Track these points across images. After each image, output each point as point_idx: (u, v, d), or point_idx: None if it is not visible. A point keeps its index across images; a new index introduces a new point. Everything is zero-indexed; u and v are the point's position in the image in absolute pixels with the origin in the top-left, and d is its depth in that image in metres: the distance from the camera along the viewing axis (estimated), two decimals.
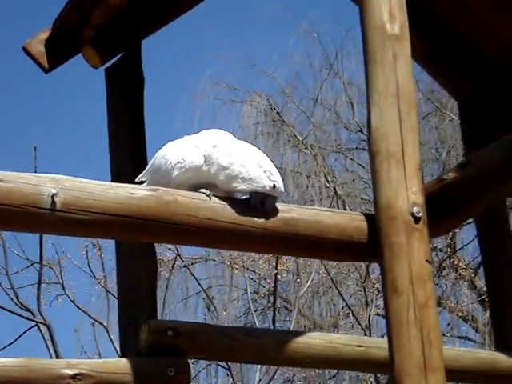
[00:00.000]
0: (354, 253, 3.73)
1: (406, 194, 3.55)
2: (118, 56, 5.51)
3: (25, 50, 5.42)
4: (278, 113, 17.29)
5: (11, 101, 19.53)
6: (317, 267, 13.83)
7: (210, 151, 3.64)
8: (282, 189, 3.60)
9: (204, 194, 3.56)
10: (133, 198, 3.41)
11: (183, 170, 3.62)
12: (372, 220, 3.68)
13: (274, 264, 12.88)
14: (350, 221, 3.71)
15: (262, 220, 3.57)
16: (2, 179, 3.23)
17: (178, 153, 3.67)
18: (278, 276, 13.04)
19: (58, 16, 5.39)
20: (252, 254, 14.20)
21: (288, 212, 3.64)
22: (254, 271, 15.15)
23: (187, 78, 21.47)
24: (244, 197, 3.64)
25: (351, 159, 17.41)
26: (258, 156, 3.61)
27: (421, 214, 3.53)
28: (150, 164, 3.81)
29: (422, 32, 5.38)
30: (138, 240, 3.48)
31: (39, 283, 12.93)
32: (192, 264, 15.29)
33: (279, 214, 3.61)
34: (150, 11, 5.60)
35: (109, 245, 13.34)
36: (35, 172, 3.36)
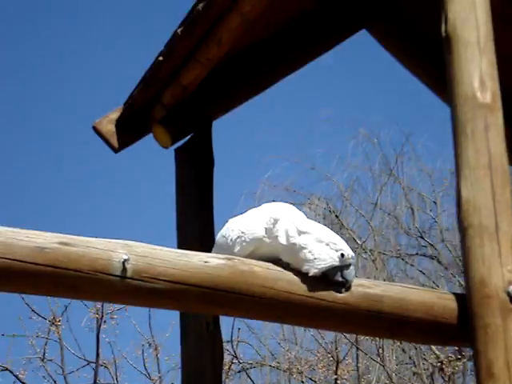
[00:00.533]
0: (442, 335, 3.44)
1: (500, 271, 3.28)
2: (188, 136, 5.40)
3: (95, 129, 5.33)
4: (336, 216, 17.11)
5: (82, 181, 19.68)
6: (378, 373, 13.38)
7: (270, 224, 3.45)
8: (352, 254, 3.37)
9: (281, 265, 3.35)
10: (206, 267, 3.20)
11: (244, 243, 3.43)
12: (462, 300, 3.41)
13: (334, 369, 12.47)
14: (438, 299, 3.44)
15: (343, 295, 3.32)
16: (69, 243, 3.05)
17: (237, 227, 3.50)
18: (338, 382, 12.61)
19: (129, 96, 5.32)
20: (309, 358, 13.79)
21: (371, 288, 3.39)
22: (311, 379, 14.72)
23: (246, 179, 21.48)
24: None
25: (411, 265, 17.09)
26: (316, 230, 3.41)
27: None
28: (214, 245, 3.65)
29: None
30: (210, 312, 3.26)
31: (95, 383, 12.65)
32: (248, 369, 14.89)
33: (361, 289, 3.36)
34: (220, 92, 5.51)
35: (163, 346, 13.04)
36: None
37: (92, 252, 3.08)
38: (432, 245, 16.61)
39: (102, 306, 13.50)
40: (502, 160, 3.44)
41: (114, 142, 5.33)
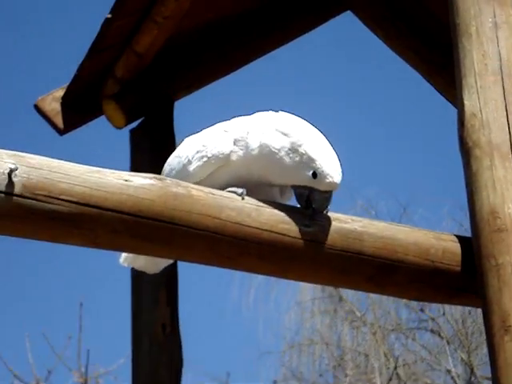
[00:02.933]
0: (442, 285, 2.60)
1: None
2: (145, 117, 4.66)
3: (37, 107, 4.59)
4: (334, 288, 16.49)
5: None
6: None
7: (241, 135, 2.61)
8: (335, 179, 2.53)
9: (234, 192, 2.52)
10: (127, 186, 2.38)
11: (204, 160, 2.58)
12: (465, 242, 2.60)
13: None
14: (435, 240, 2.61)
15: (311, 229, 2.49)
16: None
17: (198, 141, 2.66)
18: None
19: (76, 70, 4.58)
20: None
21: (348, 222, 2.56)
22: None
23: None
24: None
25: (412, 339, 16.42)
26: (297, 133, 2.56)
27: None
28: (163, 169, 2.78)
29: None
30: (130, 249, 2.42)
31: None
32: None
33: (336, 224, 2.54)
34: (184, 68, 4.77)
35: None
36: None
37: None
38: (433, 318, 16.07)
39: (86, 368, 12.70)
40: None
41: (59, 122, 4.57)
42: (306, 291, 16.59)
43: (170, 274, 4.28)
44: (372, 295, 16.34)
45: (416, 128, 17.76)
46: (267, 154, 2.54)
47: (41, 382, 12.80)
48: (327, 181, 2.51)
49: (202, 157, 2.58)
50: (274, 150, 2.53)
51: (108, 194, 2.36)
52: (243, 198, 2.50)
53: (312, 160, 2.50)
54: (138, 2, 4.22)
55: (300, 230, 2.49)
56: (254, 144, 2.57)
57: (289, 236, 2.47)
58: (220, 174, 2.59)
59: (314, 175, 2.50)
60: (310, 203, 2.53)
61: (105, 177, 2.38)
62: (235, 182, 2.57)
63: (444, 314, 15.77)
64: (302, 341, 15.69)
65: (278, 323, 15.64)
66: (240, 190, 2.51)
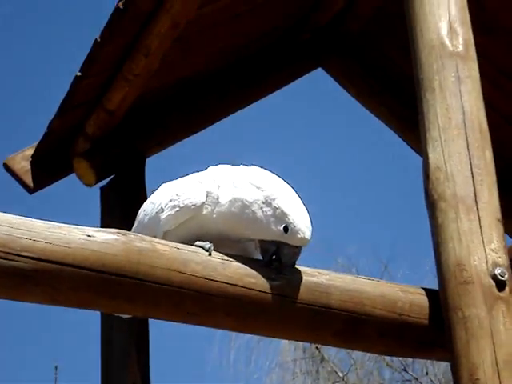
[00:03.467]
0: (409, 340, 2.57)
1: (483, 250, 2.47)
2: (115, 174, 4.64)
3: (6, 166, 4.56)
4: (317, 348, 16.38)
5: None
6: None
7: (212, 189, 2.60)
8: (306, 235, 2.50)
9: (201, 247, 2.50)
10: (90, 242, 2.36)
11: (176, 209, 2.56)
12: (433, 294, 2.58)
13: None
14: (402, 293, 2.59)
15: (278, 283, 2.47)
16: None
17: (171, 190, 2.64)
18: None
19: (46, 128, 4.57)
20: None
21: (315, 276, 2.53)
22: None
23: None
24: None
25: None
26: (270, 187, 2.55)
27: (506, 276, 2.43)
28: (136, 218, 2.76)
29: None
30: (91, 306, 2.38)
31: None
32: None
33: (302, 277, 2.51)
34: (155, 125, 4.77)
35: None
36: None
37: None
38: (416, 378, 16.00)
39: None
40: (479, 117, 2.69)
41: (29, 180, 4.54)
42: (288, 352, 16.47)
43: (141, 332, 4.22)
44: (354, 355, 16.23)
45: (396, 184, 17.85)
46: (238, 208, 2.53)
47: None
48: (299, 236, 2.50)
49: (174, 206, 2.56)
50: (246, 203, 2.52)
51: (70, 250, 2.33)
52: (210, 254, 2.48)
53: (285, 214, 2.50)
54: (108, 60, 4.23)
55: (267, 283, 2.47)
56: (225, 198, 2.56)
57: (255, 290, 2.45)
58: (191, 225, 2.57)
59: (286, 230, 2.49)
60: (276, 258, 2.51)
61: (67, 232, 2.36)
62: (204, 234, 2.55)
63: (427, 373, 15.69)
64: None
65: None
66: (207, 245, 2.50)
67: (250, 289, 2.45)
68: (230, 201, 2.54)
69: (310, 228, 2.54)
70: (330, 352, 16.39)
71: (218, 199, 2.56)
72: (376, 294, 2.56)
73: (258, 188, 2.53)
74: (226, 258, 2.49)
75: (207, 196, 2.57)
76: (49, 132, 4.54)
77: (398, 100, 5.11)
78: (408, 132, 5.04)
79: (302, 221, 2.50)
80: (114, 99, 4.42)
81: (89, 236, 2.37)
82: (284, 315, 2.47)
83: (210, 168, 2.68)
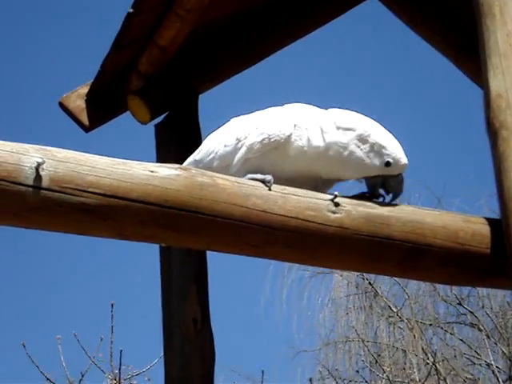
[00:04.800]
0: (471, 269, 2.57)
1: None
2: (169, 111, 4.65)
3: (62, 105, 4.59)
4: (370, 283, 16.34)
5: None
6: None
7: (299, 122, 2.60)
8: (406, 161, 2.59)
9: (262, 181, 2.51)
10: (153, 177, 2.38)
11: (264, 136, 2.56)
12: (496, 224, 2.57)
13: None
14: (464, 223, 2.59)
15: (338, 215, 2.47)
16: None
17: (254, 121, 2.64)
18: None
19: (100, 65, 4.58)
20: None
21: (374, 208, 2.54)
22: None
23: None
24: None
25: (451, 334, 16.23)
26: (362, 126, 2.58)
27: None
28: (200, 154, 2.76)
29: None
30: (158, 239, 2.42)
31: None
32: None
33: (362, 209, 2.52)
34: (208, 60, 4.75)
35: None
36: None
37: None
38: (472, 312, 15.88)
39: (120, 370, 12.75)
40: None
41: (84, 119, 4.57)
42: (341, 288, 16.47)
43: (200, 269, 4.27)
44: (408, 290, 16.18)
45: (450, 116, 17.60)
46: (336, 151, 2.56)
47: None
48: (401, 164, 2.58)
49: (262, 133, 2.57)
50: (341, 145, 2.55)
51: (134, 186, 2.36)
52: (270, 188, 2.50)
53: (383, 147, 2.57)
54: None
55: (326, 216, 2.48)
56: (318, 142, 2.57)
57: (315, 223, 2.47)
58: (270, 158, 2.58)
59: (388, 163, 2.53)
60: (386, 190, 2.53)
61: (131, 168, 2.39)
62: (278, 171, 2.56)
63: (483, 306, 15.59)
64: (337, 338, 15.55)
65: (312, 321, 15.53)
66: (268, 177, 2.51)
67: (310, 221, 2.47)
68: (325, 147, 2.56)
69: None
70: (384, 287, 16.35)
71: (309, 140, 2.57)
72: (437, 224, 2.56)
73: (349, 129, 2.55)
74: (286, 191, 2.51)
75: (295, 129, 2.57)
76: (102, 70, 4.55)
77: (453, 28, 5.02)
78: (463, 60, 4.95)
79: (399, 149, 2.59)
80: (166, 35, 4.40)
81: (151, 171, 2.40)
82: (344, 247, 2.48)
83: (287, 105, 2.68)
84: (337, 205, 2.50)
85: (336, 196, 2.52)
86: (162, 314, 4.20)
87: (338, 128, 2.58)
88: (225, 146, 2.63)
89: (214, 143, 2.71)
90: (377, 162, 2.58)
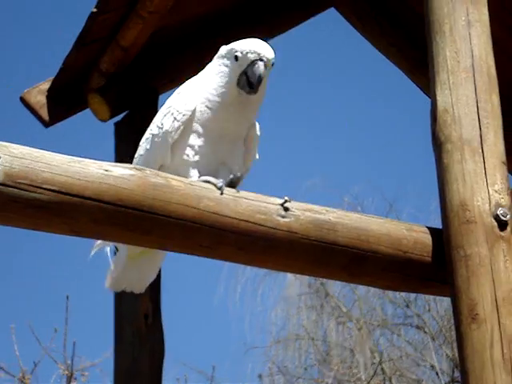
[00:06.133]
0: (413, 275, 2.66)
1: (486, 191, 2.55)
2: (129, 110, 4.70)
3: (23, 100, 4.62)
4: (321, 284, 16.50)
5: None
6: None
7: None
8: (251, 47, 2.84)
9: (214, 185, 2.59)
10: (107, 176, 2.45)
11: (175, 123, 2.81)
12: (437, 233, 2.67)
13: None
14: (407, 232, 2.68)
15: (286, 220, 2.56)
16: None
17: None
18: None
19: (62, 63, 4.62)
20: None
21: (322, 213, 2.62)
22: None
23: None
24: None
25: (398, 335, 16.44)
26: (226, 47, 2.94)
27: (508, 217, 2.52)
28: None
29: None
30: (108, 238, 2.49)
31: None
32: None
33: (310, 215, 2.60)
34: (168, 60, 4.82)
35: None
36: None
37: None
38: (418, 315, 16.09)
39: (72, 361, 12.74)
40: (487, 61, 2.74)
41: (45, 114, 4.61)
42: (293, 287, 16.60)
43: None
44: (358, 291, 16.35)
45: (402, 124, 17.82)
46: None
47: (26, 374, 12.79)
48: (247, 51, 2.81)
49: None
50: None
51: (89, 184, 2.42)
52: (222, 193, 2.57)
53: (232, 49, 2.87)
54: None
55: (276, 220, 2.56)
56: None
57: (265, 226, 2.55)
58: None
59: (236, 58, 2.80)
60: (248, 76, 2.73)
61: (86, 167, 2.45)
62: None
63: (429, 310, 15.80)
64: (288, 336, 15.68)
65: (264, 318, 15.64)
66: (220, 183, 2.59)
67: (260, 225, 2.54)
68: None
69: (264, 45, 2.85)
70: (335, 288, 16.50)
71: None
72: (382, 231, 2.65)
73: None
74: (237, 194, 2.58)
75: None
76: (64, 67, 4.60)
77: (409, 41, 5.14)
78: (418, 74, 5.08)
79: (247, 42, 2.85)
80: (128, 36, 4.46)
81: (106, 170, 2.46)
82: (293, 251, 2.56)
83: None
84: (286, 209, 2.58)
85: (286, 201, 2.59)
86: (114, 309, 4.26)
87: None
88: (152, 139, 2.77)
89: (143, 140, 2.85)
90: (233, 63, 2.82)
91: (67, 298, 10.88)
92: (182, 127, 2.72)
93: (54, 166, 2.41)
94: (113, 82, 4.63)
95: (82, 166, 2.44)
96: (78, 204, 2.40)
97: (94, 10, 4.30)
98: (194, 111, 2.74)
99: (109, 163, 2.50)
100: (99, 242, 2.86)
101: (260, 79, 2.75)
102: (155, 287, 4.28)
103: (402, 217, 16.63)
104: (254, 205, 2.57)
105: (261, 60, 2.78)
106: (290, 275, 16.41)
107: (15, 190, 2.35)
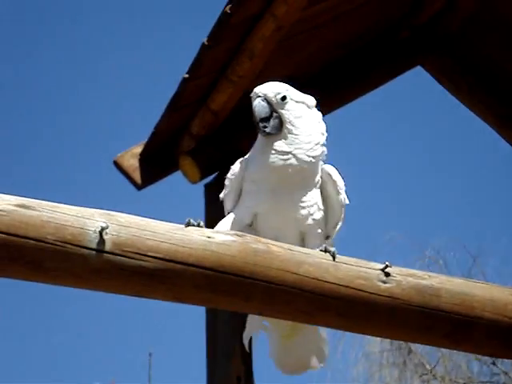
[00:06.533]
0: None
1: None
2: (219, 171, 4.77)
3: (116, 164, 4.74)
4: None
5: None
6: None
7: None
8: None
9: (329, 252, 2.59)
10: (209, 243, 2.48)
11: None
12: None
13: None
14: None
15: (388, 285, 2.54)
16: (31, 206, 2.37)
17: None
18: None
19: (154, 127, 4.74)
20: None
21: (425, 279, 2.61)
22: None
23: None
24: None
25: None
26: None
27: None
28: None
29: None
30: (210, 304, 2.52)
31: None
32: None
33: (412, 280, 2.59)
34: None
35: None
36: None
37: (60, 218, 2.38)
38: (505, 372, 15.75)
39: None
40: None
41: (137, 177, 4.72)
42: (375, 343, 16.40)
43: (244, 328, 4.35)
44: (442, 349, 16.07)
45: (486, 178, 17.61)
46: None
47: None
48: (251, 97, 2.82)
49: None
50: None
51: (192, 250, 2.46)
52: (334, 258, 2.57)
53: None
54: (215, 62, 4.36)
55: (377, 285, 2.55)
56: None
57: (366, 292, 2.54)
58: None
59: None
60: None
61: (189, 234, 2.49)
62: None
63: None
64: None
65: (345, 375, 15.44)
66: (332, 249, 2.59)
67: (361, 290, 2.54)
68: None
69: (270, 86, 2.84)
70: (418, 344, 16.27)
71: None
72: (486, 297, 2.62)
73: None
74: (337, 260, 2.58)
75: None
76: (156, 131, 4.71)
77: (495, 97, 5.13)
78: (504, 127, 5.07)
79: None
80: (218, 100, 4.55)
81: (209, 237, 2.49)
82: (394, 317, 2.55)
83: None
84: (387, 275, 2.57)
85: (387, 266, 2.58)
86: (207, 371, 4.27)
87: None
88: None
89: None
90: None
91: (150, 355, 10.97)
92: None
93: (158, 234, 2.45)
94: (203, 145, 4.72)
95: (185, 233, 2.48)
96: (181, 271, 2.43)
97: (186, 75, 4.40)
98: None
99: (211, 230, 2.54)
100: (250, 328, 2.88)
101: (257, 114, 2.77)
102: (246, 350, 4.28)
103: (487, 271, 16.35)
104: (354, 270, 2.56)
105: (258, 97, 2.79)
106: None
107: (122, 258, 2.40)
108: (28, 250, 2.33)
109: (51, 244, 2.35)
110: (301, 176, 2.76)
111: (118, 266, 2.39)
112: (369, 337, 16.20)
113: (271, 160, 2.76)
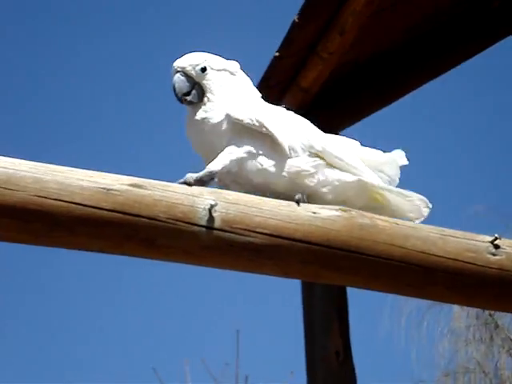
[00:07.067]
0: None
1: None
2: None
3: None
4: (490, 315, 16.03)
5: None
6: None
7: None
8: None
9: (303, 201, 2.61)
10: (315, 218, 2.51)
11: None
12: None
13: None
14: None
15: (497, 257, 2.54)
16: (143, 185, 2.43)
17: None
18: None
19: None
20: None
21: None
22: None
23: None
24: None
25: None
26: None
27: None
28: None
29: None
30: (317, 279, 2.55)
31: None
32: None
33: None
34: (347, 100, 4.89)
35: None
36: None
37: (171, 196, 2.44)
38: None
39: None
40: None
41: None
42: (460, 318, 16.23)
43: (341, 304, 4.38)
44: None
45: None
46: None
47: None
48: None
49: None
50: None
51: (298, 226, 2.49)
52: (299, 204, 2.58)
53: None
54: (305, 39, 4.37)
55: (486, 258, 2.55)
56: None
57: (475, 264, 2.54)
58: None
59: None
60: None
61: (295, 210, 2.52)
62: None
63: None
64: (457, 369, 15.27)
65: (431, 351, 15.30)
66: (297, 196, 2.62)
67: (469, 263, 2.53)
68: None
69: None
70: (505, 319, 16.06)
71: None
72: None
73: None
74: (444, 232, 2.59)
75: None
76: None
77: None
78: None
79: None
80: (308, 77, 4.56)
81: (314, 213, 2.53)
82: (504, 289, 2.54)
83: None
84: (497, 247, 2.57)
85: (496, 238, 2.58)
86: (305, 348, 4.31)
87: None
88: None
89: None
90: None
91: (237, 331, 11.11)
92: None
93: (265, 211, 2.49)
94: None
95: (291, 209, 2.52)
96: (288, 246, 2.47)
97: (277, 54, 4.42)
98: None
99: (315, 205, 2.58)
100: None
101: (178, 91, 2.77)
102: (344, 324, 4.31)
103: None
104: (463, 242, 2.56)
105: (177, 72, 2.79)
106: (456, 306, 16.09)
107: (231, 234, 2.45)
108: (141, 228, 2.40)
109: (163, 222, 2.41)
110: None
111: (228, 243, 2.44)
112: (454, 312, 16.07)
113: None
